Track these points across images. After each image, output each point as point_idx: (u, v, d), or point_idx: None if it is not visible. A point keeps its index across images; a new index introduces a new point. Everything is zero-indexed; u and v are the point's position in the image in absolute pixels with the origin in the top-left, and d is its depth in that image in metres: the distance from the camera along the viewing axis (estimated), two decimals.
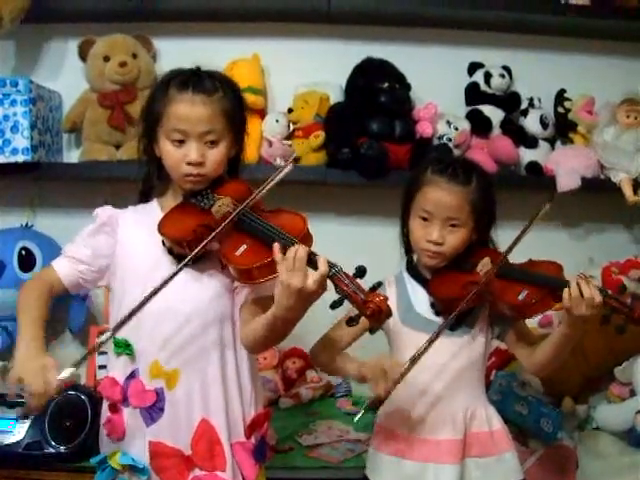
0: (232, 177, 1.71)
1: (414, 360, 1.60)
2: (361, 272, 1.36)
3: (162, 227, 1.57)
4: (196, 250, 1.47)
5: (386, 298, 1.34)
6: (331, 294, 1.38)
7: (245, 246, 1.49)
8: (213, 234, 1.48)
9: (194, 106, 1.57)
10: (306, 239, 1.45)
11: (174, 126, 1.58)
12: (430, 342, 1.62)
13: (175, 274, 1.45)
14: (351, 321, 1.35)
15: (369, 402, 1.60)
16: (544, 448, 2.19)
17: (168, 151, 1.60)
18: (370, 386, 1.62)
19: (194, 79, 1.60)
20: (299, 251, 1.36)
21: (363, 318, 1.35)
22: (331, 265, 1.37)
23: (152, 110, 1.63)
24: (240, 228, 1.52)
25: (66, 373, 1.42)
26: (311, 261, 1.36)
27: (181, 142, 1.59)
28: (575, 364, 2.26)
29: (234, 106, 1.64)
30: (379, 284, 1.36)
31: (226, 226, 1.50)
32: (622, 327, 1.61)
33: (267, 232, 1.47)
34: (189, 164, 1.58)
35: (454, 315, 1.67)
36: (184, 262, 1.48)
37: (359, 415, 1.61)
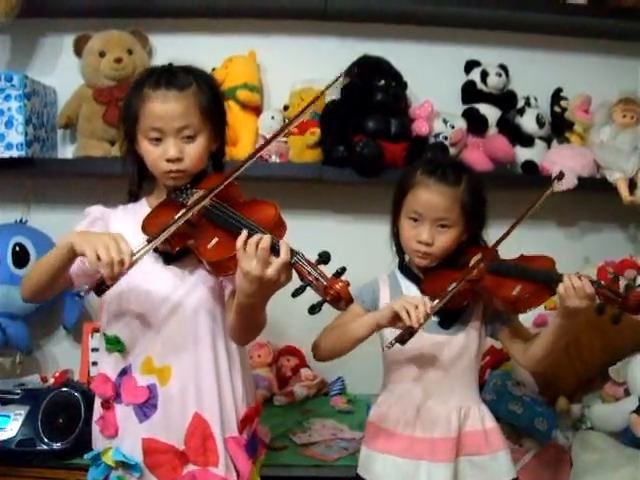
0: (218, 171, 1.71)
1: (442, 298, 1.62)
2: (325, 258, 1.35)
3: (144, 225, 1.57)
4: (164, 235, 1.46)
5: (347, 283, 1.32)
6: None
7: (217, 239, 1.49)
8: (178, 216, 1.47)
9: (167, 103, 1.56)
10: (278, 227, 1.46)
11: (150, 124, 1.58)
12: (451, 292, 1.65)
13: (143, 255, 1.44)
14: (313, 309, 1.33)
15: (399, 335, 1.58)
16: (538, 447, 2.19)
17: (147, 150, 1.61)
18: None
19: (166, 75, 1.59)
20: (263, 240, 1.35)
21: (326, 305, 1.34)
22: (293, 252, 1.36)
23: (129, 111, 1.62)
24: (212, 221, 1.53)
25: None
26: (274, 249, 1.36)
27: (159, 140, 1.58)
28: (570, 363, 2.26)
29: (210, 99, 1.63)
30: (343, 269, 1.35)
31: (195, 214, 1.50)
32: (617, 316, 1.61)
33: (236, 223, 1.47)
34: (168, 161, 1.58)
35: (459, 283, 1.67)
36: (151, 244, 1.46)
37: (391, 345, 1.58)
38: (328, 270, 1.35)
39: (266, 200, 1.55)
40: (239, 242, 1.38)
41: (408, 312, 1.57)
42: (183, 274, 1.61)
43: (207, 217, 1.53)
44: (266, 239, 1.35)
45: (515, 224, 1.73)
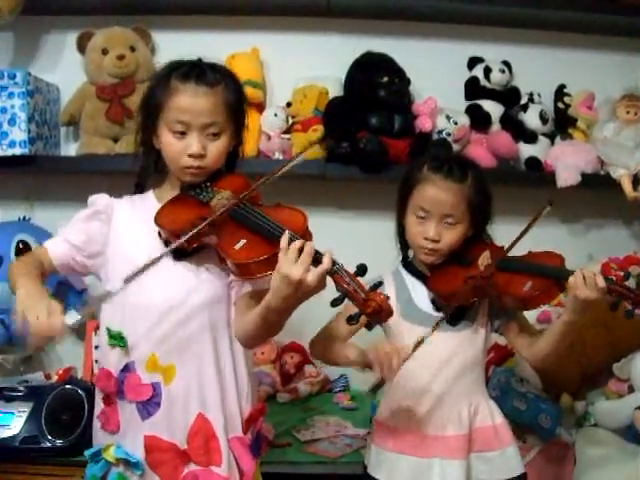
0: (229, 171, 1.70)
1: (418, 344, 1.60)
2: (362, 270, 1.35)
3: (159, 218, 1.56)
4: (188, 235, 1.46)
5: (387, 297, 1.33)
6: (332, 292, 1.37)
7: (244, 240, 1.47)
8: (208, 220, 1.47)
9: (197, 97, 1.55)
10: (305, 235, 1.44)
11: (176, 117, 1.56)
12: (434, 329, 1.64)
13: (161, 257, 1.46)
14: (351, 319, 1.34)
15: (374, 385, 1.59)
16: (542, 444, 2.19)
17: (169, 143, 1.59)
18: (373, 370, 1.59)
19: (196, 70, 1.58)
20: (308, 245, 1.35)
21: (363, 316, 1.34)
22: (333, 262, 1.36)
23: (152, 101, 1.61)
24: (239, 222, 1.51)
25: (71, 318, 1.38)
26: (315, 258, 1.35)
27: (182, 134, 1.57)
28: (574, 360, 2.25)
29: (235, 98, 1.63)
30: (380, 283, 1.36)
31: (223, 216, 1.49)
32: (630, 312, 1.63)
33: (268, 227, 1.46)
34: (190, 156, 1.57)
35: (455, 308, 1.69)
36: (173, 245, 1.47)
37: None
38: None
39: (294, 207, 1.55)
40: (283, 243, 1.37)
41: (383, 365, 1.54)
42: (195, 271, 1.60)
43: (233, 217, 1.52)
44: (310, 245, 1.35)
45: (514, 242, 1.74)
